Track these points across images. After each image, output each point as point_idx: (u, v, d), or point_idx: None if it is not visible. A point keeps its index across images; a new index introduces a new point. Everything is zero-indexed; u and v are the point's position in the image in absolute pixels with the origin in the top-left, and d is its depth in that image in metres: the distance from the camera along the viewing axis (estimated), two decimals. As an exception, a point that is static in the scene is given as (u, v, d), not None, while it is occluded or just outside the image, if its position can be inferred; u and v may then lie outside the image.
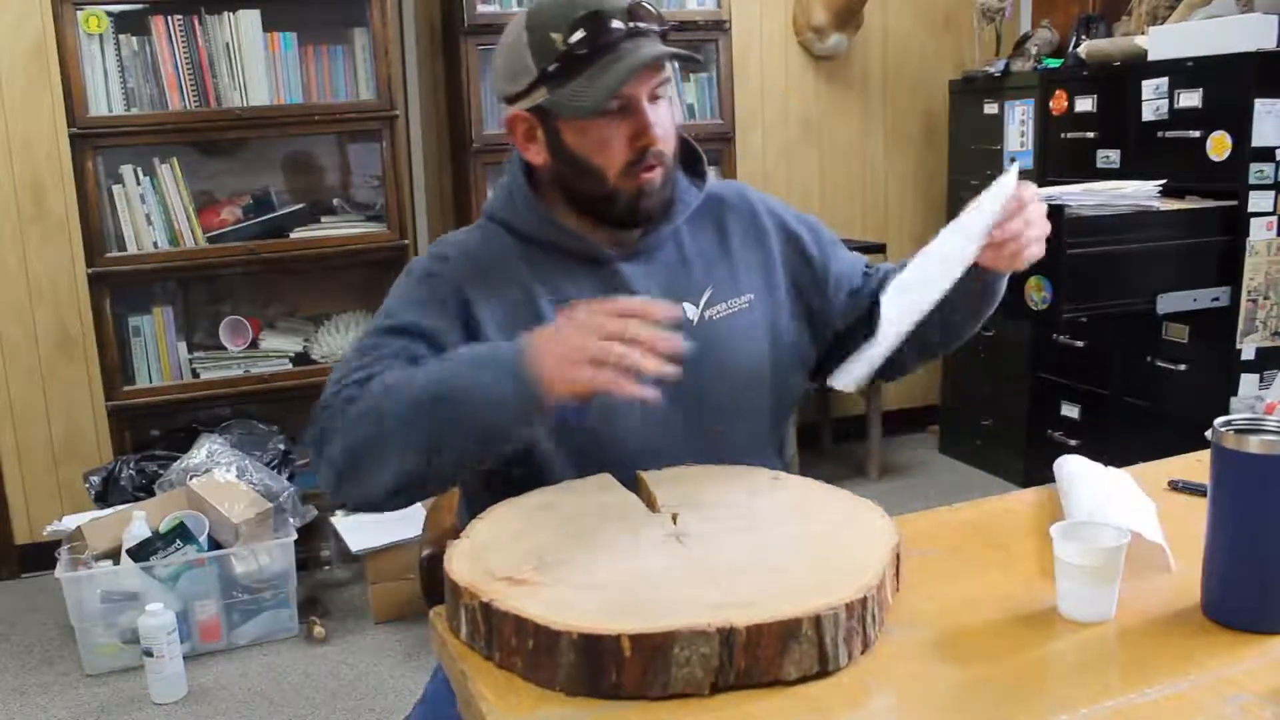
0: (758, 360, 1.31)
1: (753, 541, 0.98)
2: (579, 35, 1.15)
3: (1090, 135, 3.14)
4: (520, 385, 1.01)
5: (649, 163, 1.20)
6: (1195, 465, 1.32)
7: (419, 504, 3.21)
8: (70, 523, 2.69)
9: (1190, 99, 2.78)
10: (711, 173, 1.41)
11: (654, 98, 1.20)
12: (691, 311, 1.28)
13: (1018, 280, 2.68)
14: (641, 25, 1.17)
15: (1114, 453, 1.18)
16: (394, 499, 1.09)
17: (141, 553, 2.51)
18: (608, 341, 0.98)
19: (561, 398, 1.01)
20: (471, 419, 1.03)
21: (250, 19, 2.89)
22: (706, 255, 1.32)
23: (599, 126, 1.18)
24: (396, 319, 1.20)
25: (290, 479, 2.93)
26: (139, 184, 2.89)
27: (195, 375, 3.02)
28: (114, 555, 2.55)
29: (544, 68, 1.17)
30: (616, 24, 1.15)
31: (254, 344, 3.09)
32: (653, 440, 1.21)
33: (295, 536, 2.70)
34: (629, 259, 1.27)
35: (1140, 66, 2.92)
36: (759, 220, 1.36)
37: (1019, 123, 3.48)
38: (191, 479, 2.69)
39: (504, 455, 1.10)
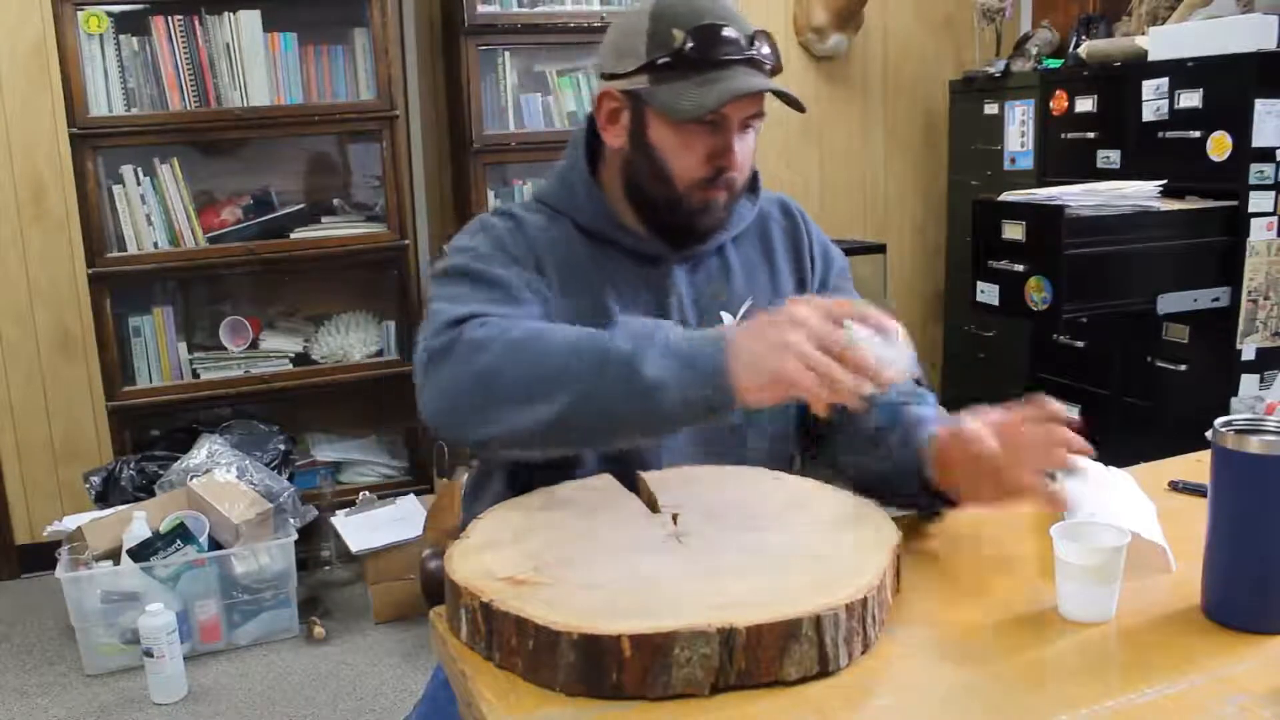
0: None
1: (753, 541, 0.98)
2: (700, 40, 1.14)
3: (1090, 135, 3.13)
4: (716, 392, 0.96)
5: (718, 185, 1.20)
6: (1195, 465, 1.32)
7: (420, 504, 3.20)
8: (70, 523, 2.68)
9: (1190, 99, 2.77)
10: None
11: (745, 126, 1.20)
12: (729, 321, 1.28)
13: (1018, 280, 2.70)
14: (758, 54, 1.16)
15: (1114, 453, 1.18)
16: (497, 448, 1.08)
17: (142, 553, 2.51)
18: (815, 350, 0.94)
19: (750, 403, 0.97)
20: (648, 409, 0.98)
21: (250, 19, 2.89)
22: (749, 266, 1.32)
23: (686, 133, 1.17)
24: (489, 269, 1.17)
25: (290, 479, 2.94)
26: (139, 184, 2.89)
27: (195, 375, 3.02)
28: (114, 555, 2.55)
29: (655, 58, 1.16)
30: (738, 45, 1.15)
31: (254, 344, 3.09)
32: (673, 444, 1.21)
33: (295, 536, 2.70)
34: (680, 263, 1.27)
35: (1140, 67, 2.92)
36: (798, 234, 1.37)
37: (1019, 123, 3.48)
38: (192, 479, 2.69)
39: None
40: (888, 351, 0.96)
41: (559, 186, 1.28)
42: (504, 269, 1.18)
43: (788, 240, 1.36)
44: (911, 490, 1.13)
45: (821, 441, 1.31)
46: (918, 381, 1.34)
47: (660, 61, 1.16)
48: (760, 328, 0.97)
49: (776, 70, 1.20)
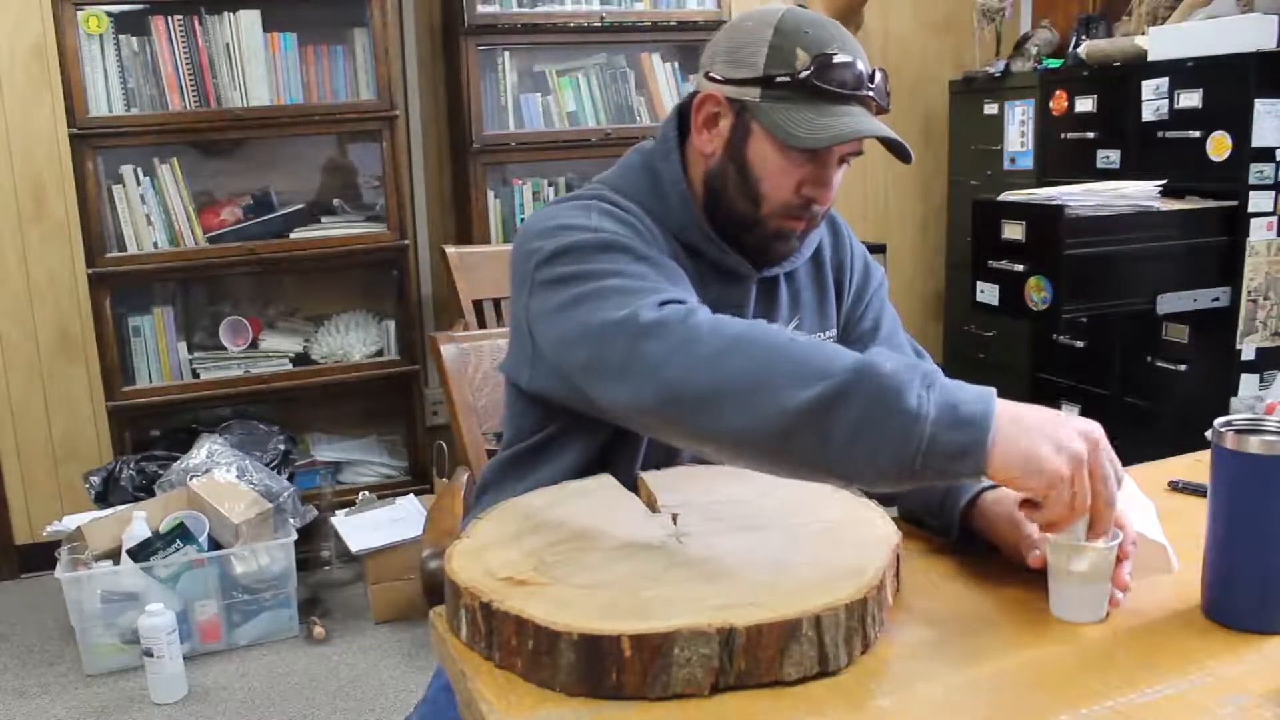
0: None
1: (753, 541, 0.98)
2: (824, 68, 1.10)
3: (1090, 135, 3.13)
4: (969, 442, 0.86)
5: (802, 215, 1.18)
6: (1195, 465, 1.32)
7: (420, 505, 3.20)
8: (70, 523, 2.68)
9: (1190, 99, 2.78)
10: None
11: (842, 160, 1.17)
12: None
13: (1018, 280, 2.70)
14: (875, 93, 1.14)
15: (1114, 452, 1.18)
16: (714, 447, 0.96)
17: (141, 553, 2.51)
18: (1074, 470, 0.87)
19: (992, 472, 0.87)
20: (901, 431, 0.86)
21: (250, 19, 2.89)
22: (799, 286, 1.31)
23: (787, 158, 1.14)
24: (648, 251, 1.10)
25: (290, 479, 2.94)
26: (139, 184, 2.89)
27: (195, 375, 3.02)
28: (114, 555, 2.55)
29: (772, 74, 1.12)
30: (858, 80, 1.12)
31: (254, 344, 3.09)
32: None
33: (295, 537, 2.70)
34: (755, 282, 1.26)
35: (1140, 67, 2.92)
36: (843, 250, 1.36)
37: (1019, 123, 3.48)
38: (191, 479, 2.69)
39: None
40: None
41: (648, 188, 1.22)
42: (660, 254, 1.12)
43: (834, 257, 1.35)
44: (948, 528, 1.11)
45: None
46: None
47: (778, 79, 1.12)
48: (1048, 417, 0.89)
49: (884, 110, 1.16)
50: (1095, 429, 0.90)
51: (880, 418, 0.87)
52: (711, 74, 1.18)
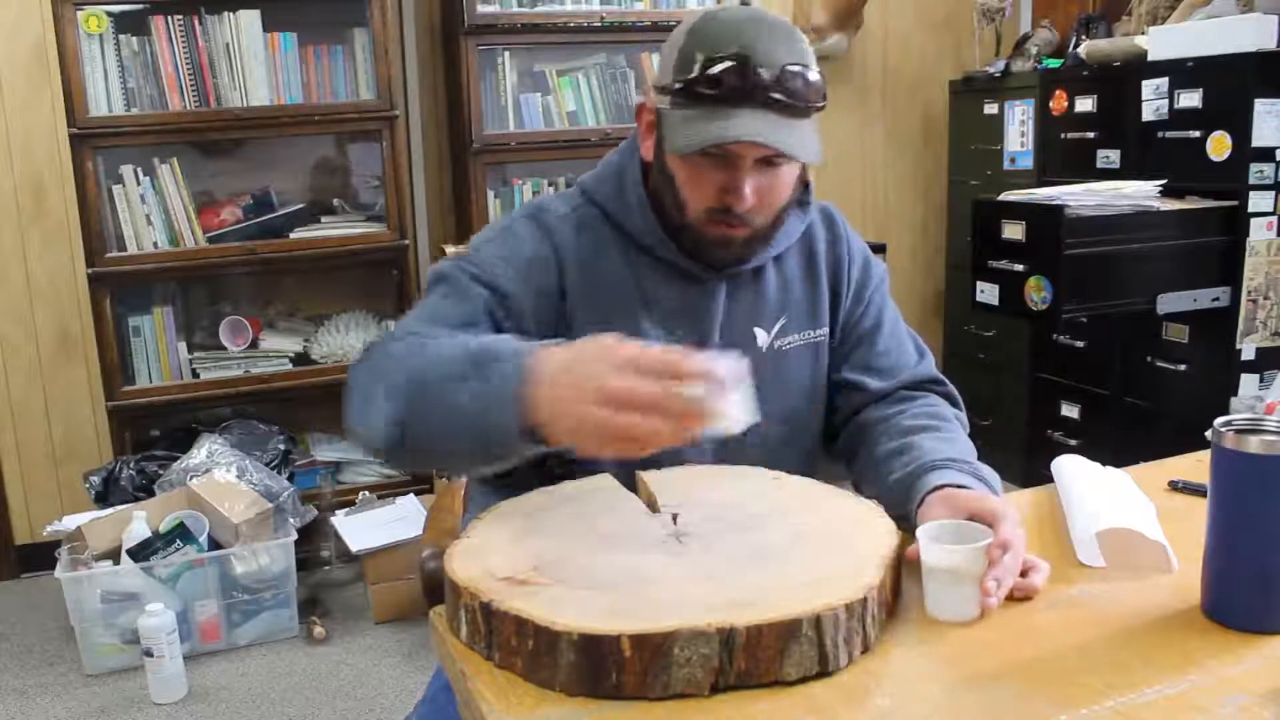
0: (816, 396, 1.31)
1: (753, 541, 0.98)
2: (716, 71, 1.08)
3: (1090, 135, 3.13)
4: (513, 426, 0.94)
5: (731, 221, 1.16)
6: (1195, 465, 1.32)
7: (420, 504, 3.19)
8: (70, 523, 2.68)
9: (1190, 99, 2.78)
10: None
11: (769, 163, 1.13)
12: (763, 338, 1.26)
13: (1018, 280, 2.70)
14: (780, 95, 1.09)
15: (1114, 453, 1.18)
16: (387, 456, 1.10)
17: (141, 553, 2.51)
18: (618, 411, 0.88)
19: (557, 442, 0.93)
20: (461, 431, 0.98)
21: (250, 19, 2.89)
22: (788, 281, 1.29)
23: (695, 163, 1.13)
24: (487, 271, 1.17)
25: (290, 479, 2.94)
26: (139, 184, 2.89)
27: (195, 375, 3.02)
28: (114, 555, 2.55)
29: (676, 81, 1.13)
30: (755, 83, 1.08)
31: (254, 344, 3.09)
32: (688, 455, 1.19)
33: (295, 536, 2.70)
34: (723, 280, 1.24)
35: (1140, 66, 2.92)
36: (839, 245, 1.33)
37: (1019, 123, 3.48)
38: (191, 479, 2.69)
39: (505, 461, 1.02)
40: (720, 403, 0.89)
41: (613, 188, 1.24)
42: (486, 287, 1.16)
43: (830, 252, 1.32)
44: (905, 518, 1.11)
45: (838, 453, 1.33)
46: (938, 383, 1.32)
47: (677, 86, 1.12)
48: (572, 362, 0.92)
49: (810, 109, 1.12)
50: (618, 352, 0.90)
51: (445, 419, 0.99)
52: (652, 80, 1.20)
